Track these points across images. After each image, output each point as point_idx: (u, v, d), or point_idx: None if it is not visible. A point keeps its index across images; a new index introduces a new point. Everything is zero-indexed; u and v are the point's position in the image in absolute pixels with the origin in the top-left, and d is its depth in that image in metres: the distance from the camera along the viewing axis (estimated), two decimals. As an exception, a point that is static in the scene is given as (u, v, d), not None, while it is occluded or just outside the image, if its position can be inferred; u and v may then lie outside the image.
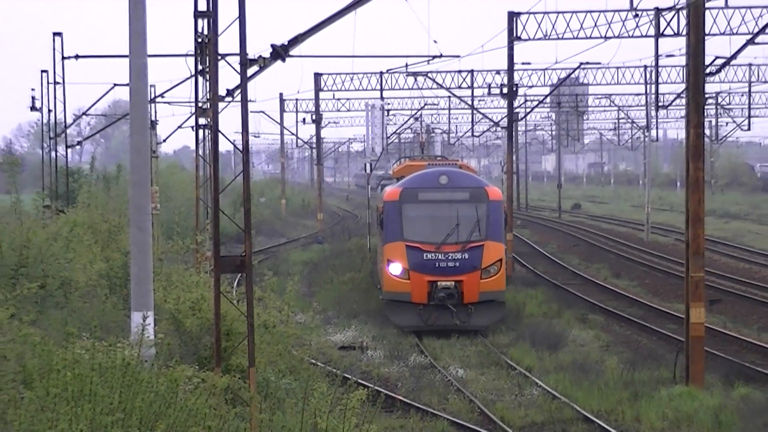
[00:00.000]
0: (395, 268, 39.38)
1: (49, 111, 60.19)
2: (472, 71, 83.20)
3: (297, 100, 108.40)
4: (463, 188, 40.57)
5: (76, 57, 56.54)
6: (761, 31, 52.05)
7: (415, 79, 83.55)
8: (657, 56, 61.20)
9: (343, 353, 35.22)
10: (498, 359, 34.62)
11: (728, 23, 59.70)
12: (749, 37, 51.12)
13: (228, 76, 40.84)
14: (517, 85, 64.43)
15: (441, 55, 61.15)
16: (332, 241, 79.29)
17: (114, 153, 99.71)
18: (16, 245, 28.98)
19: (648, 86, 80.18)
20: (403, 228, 39.67)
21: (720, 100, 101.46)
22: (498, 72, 76.19)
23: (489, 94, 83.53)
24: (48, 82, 58.62)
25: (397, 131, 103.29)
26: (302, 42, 24.19)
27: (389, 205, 40.50)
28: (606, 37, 62.14)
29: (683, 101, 34.83)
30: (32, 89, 61.27)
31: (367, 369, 32.91)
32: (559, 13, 61.79)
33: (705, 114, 33.58)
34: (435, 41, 63.94)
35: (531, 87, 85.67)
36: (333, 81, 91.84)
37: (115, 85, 60.84)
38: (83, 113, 71.17)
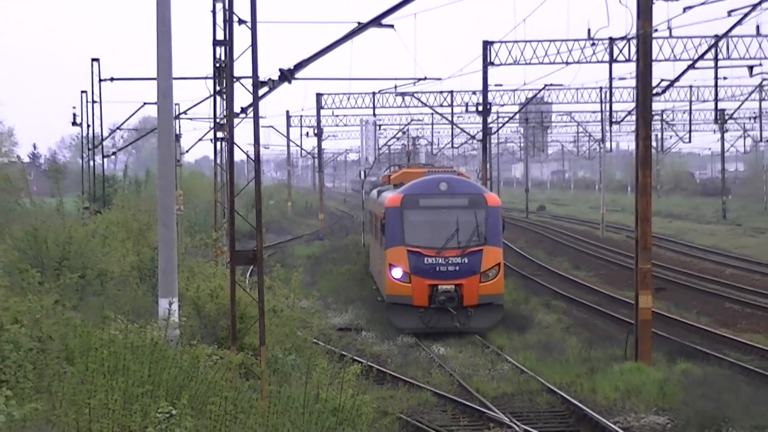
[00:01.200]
0: (397, 272, 35.90)
1: (88, 126, 60.20)
2: (452, 92, 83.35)
3: (301, 116, 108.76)
4: (462, 194, 37.13)
5: (111, 79, 56.54)
6: (700, 58, 52.17)
7: (403, 99, 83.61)
8: (611, 79, 61.31)
9: (341, 334, 35.20)
10: (474, 339, 34.53)
11: (672, 51, 59.76)
12: (690, 62, 51.25)
13: (242, 96, 40.85)
14: (490, 103, 64.43)
15: (425, 78, 61.19)
16: (331, 238, 79.27)
17: (144, 162, 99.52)
18: (60, 241, 28.96)
19: (603, 105, 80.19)
20: (405, 233, 36.29)
21: (665, 116, 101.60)
22: (474, 92, 76.45)
23: (466, 111, 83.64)
24: (87, 101, 58.64)
25: (387, 143, 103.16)
26: (306, 66, 24.17)
27: (391, 211, 36.81)
28: (567, 63, 62.28)
29: (633, 117, 34.77)
30: (74, 107, 61.23)
31: (361, 347, 32.85)
32: (527, 41, 61.92)
33: (652, 128, 33.57)
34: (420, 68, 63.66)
35: (502, 105, 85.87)
36: (332, 100, 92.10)
37: (144, 103, 61.09)
38: (117, 128, 71.00)
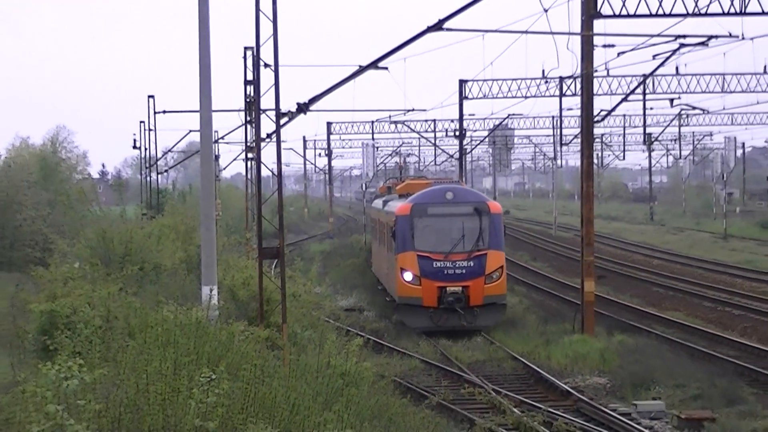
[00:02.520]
0: (408, 276, 31.94)
1: (145, 149, 60.24)
2: (434, 120, 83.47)
3: (315, 140, 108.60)
4: (467, 203, 32.96)
5: (164, 112, 56.69)
6: (631, 92, 52.15)
7: (396, 126, 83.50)
8: (561, 110, 61.49)
9: (347, 314, 35.09)
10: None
11: (609, 87, 59.88)
12: (623, 96, 51.24)
13: (267, 124, 40.95)
14: (465, 129, 64.44)
15: (413, 109, 61.29)
16: (339, 237, 79.23)
17: (189, 177, 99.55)
18: (123, 241, 28.97)
19: (555, 130, 79.91)
20: (415, 239, 32.20)
21: (604, 139, 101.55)
22: (452, 120, 75.97)
23: (446, 135, 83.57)
24: (145, 129, 58.72)
25: (383, 161, 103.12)
26: (318, 101, 24.19)
27: (401, 219, 32.68)
28: (526, 97, 62.61)
29: (579, 140, 34.83)
30: (134, 134, 61.45)
31: (363, 324, 32.80)
32: (494, 80, 62.23)
33: (593, 149, 33.59)
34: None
35: (475, 131, 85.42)
36: (339, 127, 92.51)
37: (190, 131, 61.14)
38: (168, 150, 71.10)
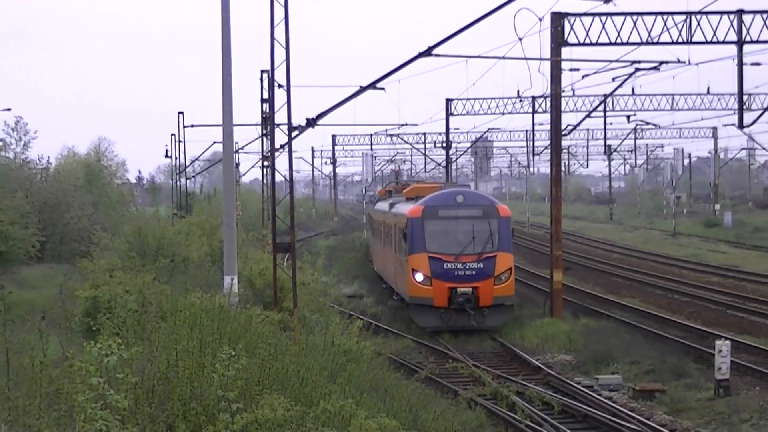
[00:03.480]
0: (419, 276, 28.62)
1: (176, 157, 60.18)
2: (424, 133, 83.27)
3: (321, 150, 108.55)
4: (477, 206, 29.61)
5: (192, 126, 56.56)
6: (593, 110, 52.14)
7: (391, 138, 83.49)
8: (533, 124, 61.28)
9: (349, 300, 35.13)
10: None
11: (575, 105, 59.89)
12: (586, 113, 51.25)
13: (280, 137, 40.97)
14: (451, 141, 64.45)
15: (406, 124, 62.49)
16: (342, 234, 79.15)
17: (213, 182, 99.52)
18: (156, 237, 28.99)
19: (528, 142, 79.99)
20: (426, 241, 28.82)
21: (570, 150, 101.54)
22: (440, 134, 75.80)
23: (435, 147, 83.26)
24: (175, 141, 58.69)
25: (380, 169, 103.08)
26: (324, 116, 24.14)
27: (413, 221, 29.23)
28: (503, 113, 62.67)
29: (549, 151, 34.83)
30: (166, 145, 62.01)
31: (363, 309, 32.71)
32: (476, 98, 62.24)
33: (561, 158, 33.59)
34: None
35: (459, 142, 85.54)
36: (343, 139, 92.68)
37: (214, 142, 60.94)
38: (195, 159, 70.86)
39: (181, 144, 58.75)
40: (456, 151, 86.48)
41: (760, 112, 49.15)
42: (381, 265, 39.38)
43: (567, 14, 30.81)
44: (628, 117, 65.97)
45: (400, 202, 35.85)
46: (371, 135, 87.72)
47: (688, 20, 31.66)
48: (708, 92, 63.28)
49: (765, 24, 31.83)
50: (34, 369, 8.96)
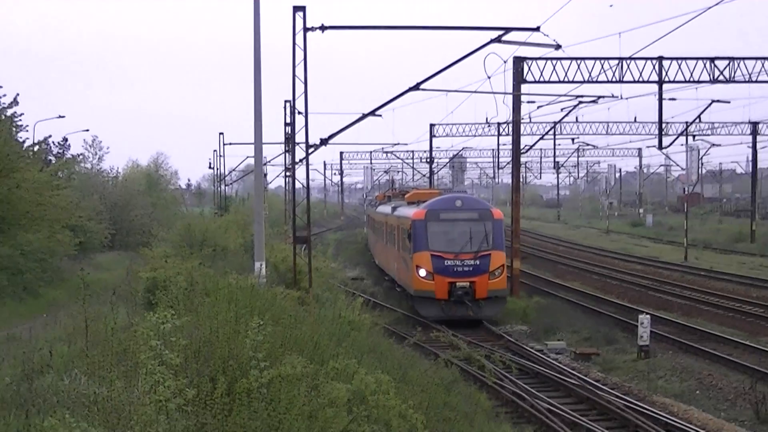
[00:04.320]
0: (422, 272, 26.02)
1: (217, 168, 60.18)
2: (413, 151, 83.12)
3: (331, 163, 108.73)
4: (474, 209, 26.90)
5: (230, 144, 58.23)
6: (545, 134, 52.22)
7: (386, 154, 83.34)
8: (498, 145, 61.61)
9: (352, 281, 35.09)
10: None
11: (531, 129, 59.79)
12: (540, 136, 51.30)
13: (300, 153, 40.89)
14: (433, 157, 64.54)
15: (398, 143, 62.36)
16: (347, 230, 79.03)
17: (247, 188, 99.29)
18: (201, 231, 28.99)
19: (494, 158, 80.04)
20: (429, 240, 26.12)
21: (527, 165, 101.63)
22: (425, 151, 75.74)
23: (420, 161, 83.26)
24: (216, 155, 58.67)
25: (377, 178, 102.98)
26: (334, 137, 24.16)
27: (417, 223, 26.53)
28: (475, 135, 62.54)
29: (511, 165, 34.85)
30: (209, 158, 62.36)
31: (363, 288, 32.56)
32: (453, 124, 62.65)
33: (520, 171, 33.57)
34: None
35: (440, 158, 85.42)
36: (349, 154, 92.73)
37: (247, 156, 61.39)
38: (232, 170, 70.69)
39: (221, 158, 58.84)
40: (437, 165, 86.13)
41: (675, 136, 49.35)
42: (383, 260, 36.37)
43: (526, 58, 30.86)
44: (573, 139, 66.17)
45: (402, 205, 32.76)
46: (371, 152, 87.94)
47: (620, 64, 31.76)
48: (635, 120, 63.31)
49: (680, 68, 32.00)
50: (106, 333, 8.97)
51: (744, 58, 32.24)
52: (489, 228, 26.37)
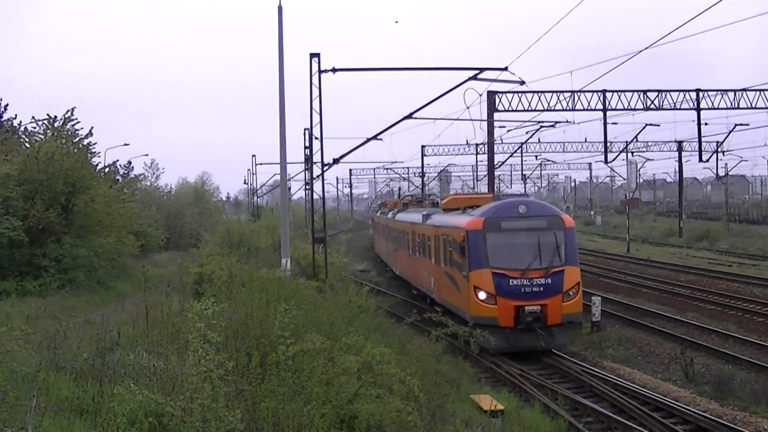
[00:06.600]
0: (482, 295, 16.87)
1: (251, 184, 60.19)
2: (408, 167, 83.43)
3: (343, 178, 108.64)
4: (541, 217, 17.53)
5: (261, 163, 58.02)
6: (514, 152, 52.17)
7: (386, 170, 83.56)
8: (476, 162, 61.44)
9: (361, 273, 34.98)
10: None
11: (503, 149, 59.68)
12: (509, 154, 51.30)
13: (317, 170, 40.67)
14: (425, 172, 64.69)
15: (396, 161, 62.55)
16: (356, 231, 78.90)
17: (275, 199, 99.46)
18: (238, 234, 28.97)
19: (474, 172, 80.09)
20: (489, 255, 17.04)
21: (500, 177, 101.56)
22: (418, 167, 75.81)
23: (414, 176, 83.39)
24: (250, 173, 58.77)
25: (379, 190, 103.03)
26: (345, 157, 24.13)
27: (473, 234, 17.40)
28: (457, 154, 63.07)
29: (487, 178, 34.80)
30: (244, 176, 62.02)
31: (369, 279, 32.51)
32: (440, 145, 63.82)
33: (494, 182, 33.56)
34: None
35: (430, 173, 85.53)
36: (356, 171, 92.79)
37: (274, 174, 61.23)
38: (263, 185, 71.03)
39: (254, 175, 58.96)
40: (428, 178, 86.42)
41: (617, 153, 49.35)
42: (406, 270, 27.78)
43: (497, 92, 30.90)
44: (536, 156, 66.28)
45: (437, 213, 23.19)
46: (374, 168, 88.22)
47: (572, 96, 31.83)
48: (585, 141, 63.56)
49: (620, 98, 32.13)
50: (163, 318, 8.96)
51: (670, 90, 32.54)
52: (561, 238, 17.37)
